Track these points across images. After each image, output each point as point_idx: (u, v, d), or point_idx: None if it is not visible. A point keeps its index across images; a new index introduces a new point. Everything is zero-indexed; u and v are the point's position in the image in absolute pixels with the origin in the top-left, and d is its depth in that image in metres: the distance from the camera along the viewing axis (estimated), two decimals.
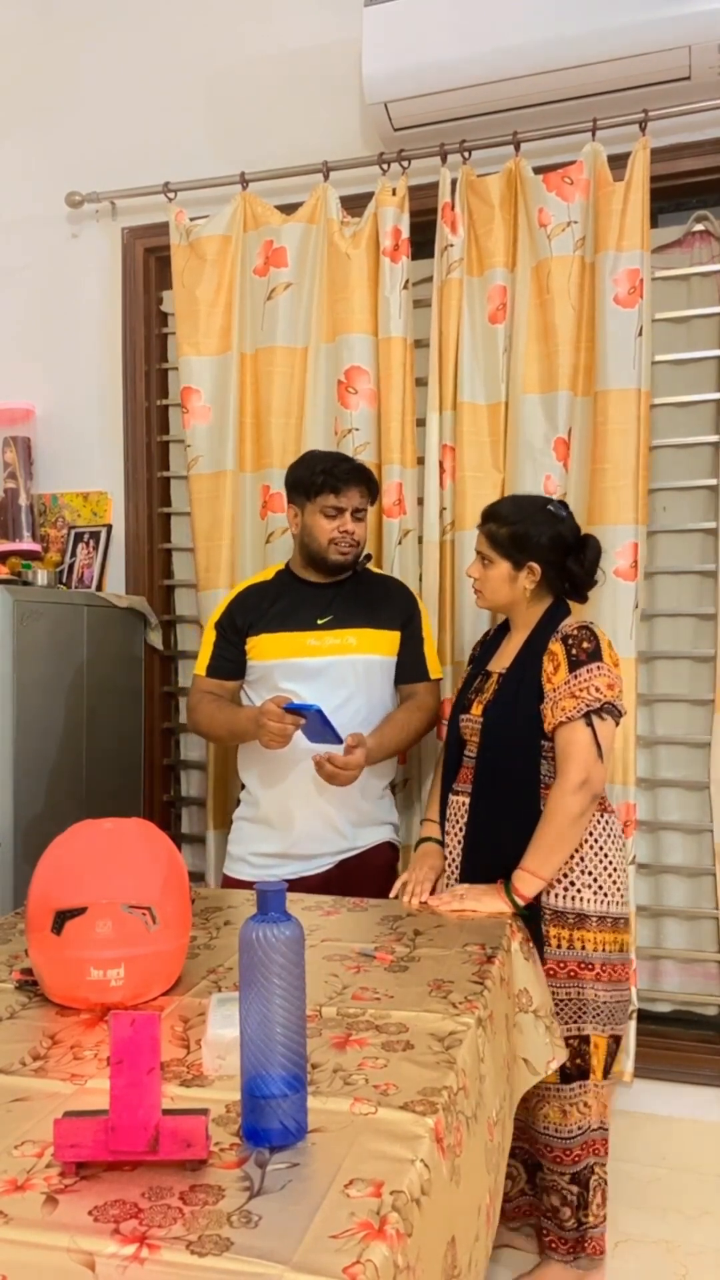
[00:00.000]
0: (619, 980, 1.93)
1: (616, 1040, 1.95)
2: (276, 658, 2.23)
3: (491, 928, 1.80)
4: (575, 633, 1.95)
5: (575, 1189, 1.88)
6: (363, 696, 2.21)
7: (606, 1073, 1.94)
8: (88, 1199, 0.96)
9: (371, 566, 2.37)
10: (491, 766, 2.01)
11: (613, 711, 1.91)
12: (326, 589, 2.27)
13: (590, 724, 1.88)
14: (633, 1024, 2.38)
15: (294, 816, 2.21)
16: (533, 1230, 2.01)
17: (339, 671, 2.20)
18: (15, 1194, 0.97)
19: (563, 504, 2.09)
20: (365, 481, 2.23)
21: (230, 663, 2.30)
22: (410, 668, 2.30)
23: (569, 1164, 1.88)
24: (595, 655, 1.92)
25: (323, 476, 2.20)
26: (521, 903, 1.87)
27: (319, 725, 2.00)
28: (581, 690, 1.88)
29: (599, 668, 1.90)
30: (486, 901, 1.88)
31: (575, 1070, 1.88)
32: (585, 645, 1.92)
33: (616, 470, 2.37)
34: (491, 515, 2.07)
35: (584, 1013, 1.88)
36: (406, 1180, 0.99)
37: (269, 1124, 1.05)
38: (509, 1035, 1.68)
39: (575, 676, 1.90)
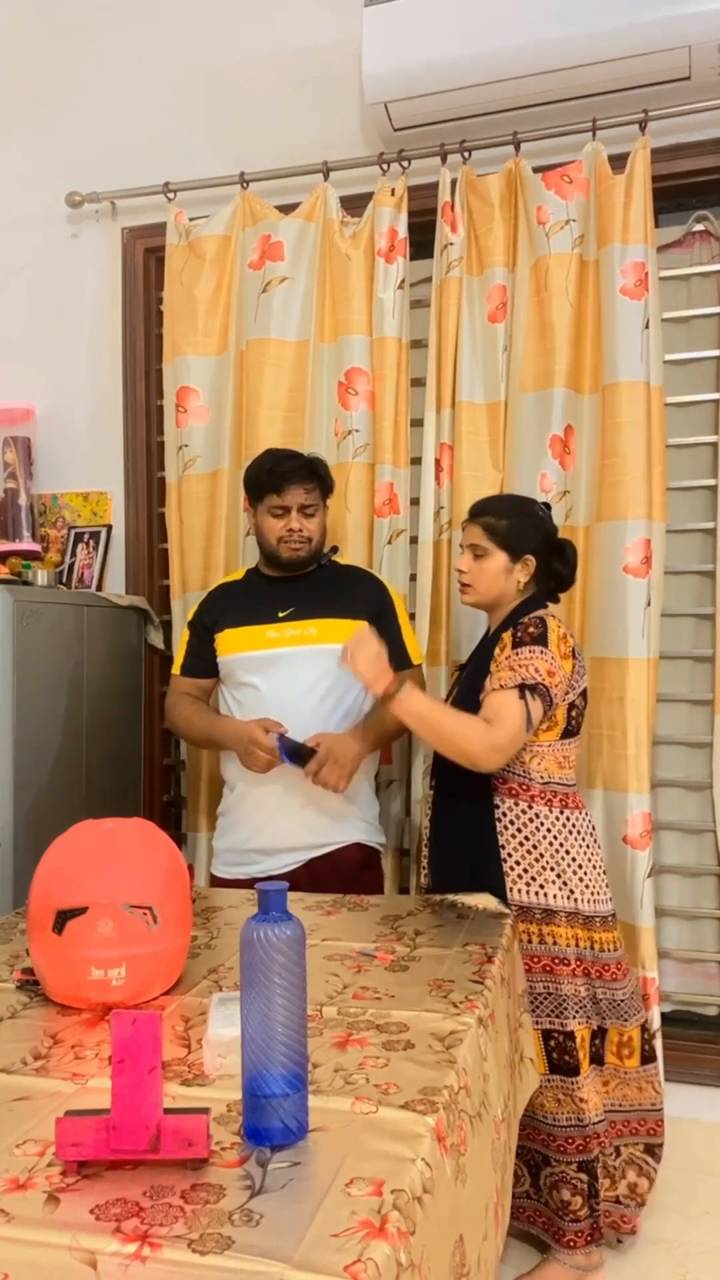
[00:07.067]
0: (601, 978, 1.93)
1: (603, 1032, 1.95)
2: (237, 652, 2.25)
3: (491, 927, 1.81)
4: (525, 620, 1.94)
5: (584, 1177, 1.88)
6: (327, 685, 2.18)
7: (598, 1062, 1.95)
8: (89, 1198, 0.96)
9: (338, 559, 2.38)
10: (448, 759, 2.02)
11: (544, 696, 1.87)
12: (290, 583, 2.28)
13: (523, 697, 1.86)
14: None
15: (265, 812, 2.21)
16: (532, 1230, 2.01)
17: (298, 661, 2.19)
18: (17, 1193, 0.97)
19: (546, 505, 2.11)
20: (310, 478, 2.21)
21: (203, 661, 2.33)
22: (390, 657, 2.26)
23: (573, 1153, 1.88)
24: (540, 640, 1.90)
25: (266, 476, 2.20)
26: (378, 694, 1.93)
27: (290, 760, 2.10)
28: (520, 665, 1.87)
29: (543, 651, 1.89)
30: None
31: (563, 1065, 1.88)
32: (531, 630, 1.92)
33: (625, 464, 2.36)
34: (488, 508, 2.06)
35: (564, 1008, 1.89)
36: (408, 1179, 0.99)
37: (270, 1123, 1.05)
38: (512, 1035, 1.68)
39: (516, 653, 1.90)
